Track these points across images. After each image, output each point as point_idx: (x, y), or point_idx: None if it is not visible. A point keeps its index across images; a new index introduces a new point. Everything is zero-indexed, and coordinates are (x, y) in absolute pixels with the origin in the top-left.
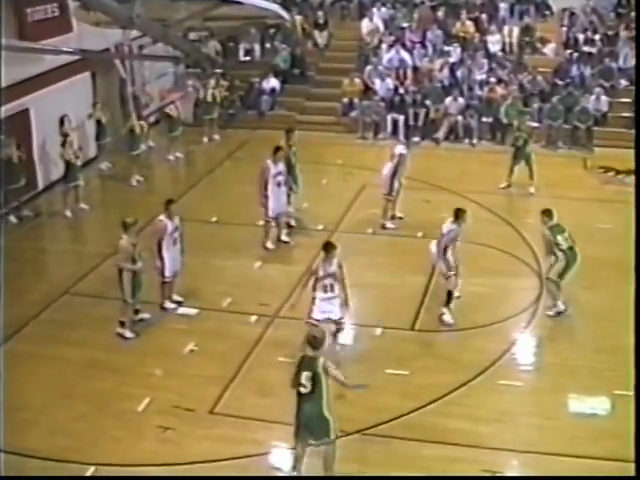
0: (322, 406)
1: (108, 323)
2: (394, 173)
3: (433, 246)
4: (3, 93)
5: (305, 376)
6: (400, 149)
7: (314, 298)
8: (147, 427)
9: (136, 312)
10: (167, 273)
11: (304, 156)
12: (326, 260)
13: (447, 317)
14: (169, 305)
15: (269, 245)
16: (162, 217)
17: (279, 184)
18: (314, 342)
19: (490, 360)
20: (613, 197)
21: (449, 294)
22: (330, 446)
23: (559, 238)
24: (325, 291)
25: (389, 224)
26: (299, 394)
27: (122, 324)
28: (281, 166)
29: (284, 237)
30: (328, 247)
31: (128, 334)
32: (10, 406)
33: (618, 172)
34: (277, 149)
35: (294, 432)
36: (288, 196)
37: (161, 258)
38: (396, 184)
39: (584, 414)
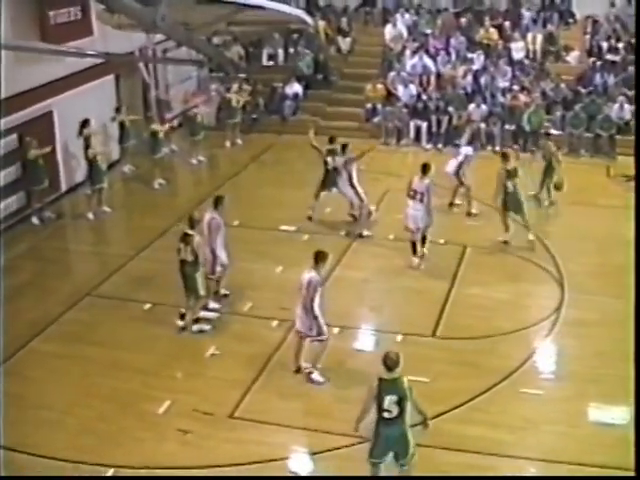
0: (406, 428)
1: (131, 324)
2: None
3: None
4: (27, 95)
5: (389, 400)
6: (467, 150)
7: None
8: (168, 429)
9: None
10: (218, 268)
11: None
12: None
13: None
14: (213, 305)
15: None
16: (215, 215)
17: None
18: (390, 363)
19: (512, 367)
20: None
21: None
22: (412, 459)
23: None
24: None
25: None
26: (382, 418)
27: (196, 321)
28: None
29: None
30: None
31: (206, 327)
32: (34, 405)
33: None
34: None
35: (371, 452)
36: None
37: (215, 256)
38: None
39: (605, 423)
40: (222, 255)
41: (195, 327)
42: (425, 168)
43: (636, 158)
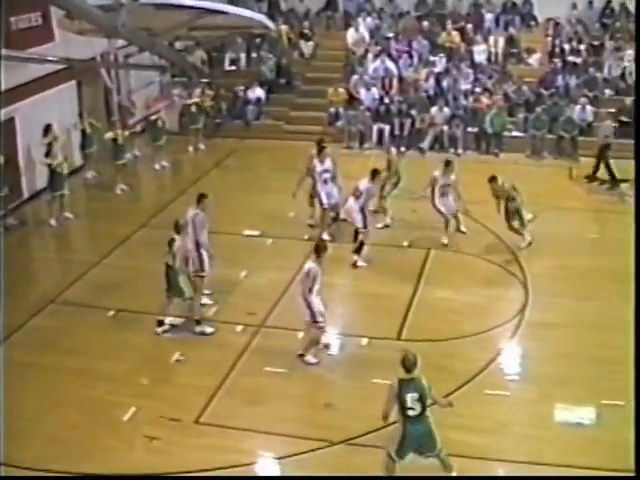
0: (431, 423)
1: (97, 331)
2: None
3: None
4: None
5: (411, 398)
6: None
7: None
8: (136, 436)
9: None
10: (207, 267)
11: (291, 165)
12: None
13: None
14: (206, 300)
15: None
16: (198, 210)
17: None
18: (408, 364)
19: (477, 369)
20: (600, 207)
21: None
22: (442, 453)
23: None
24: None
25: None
26: (406, 417)
27: (198, 322)
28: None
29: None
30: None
31: (208, 330)
32: (3, 415)
33: (603, 182)
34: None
35: (397, 451)
36: None
37: (200, 253)
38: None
39: (571, 423)
40: (209, 250)
41: (198, 329)
42: (374, 173)
43: (636, 160)
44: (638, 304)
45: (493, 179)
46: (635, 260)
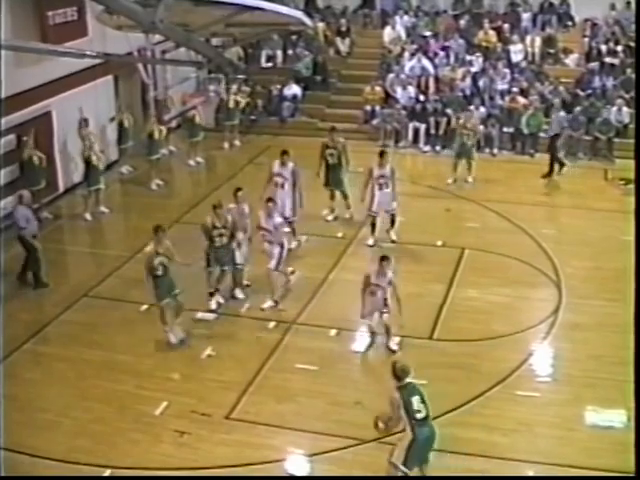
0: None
1: (128, 325)
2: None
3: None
4: (26, 96)
5: (417, 400)
6: None
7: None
8: (164, 431)
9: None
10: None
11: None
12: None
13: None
14: (239, 294)
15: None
16: (232, 205)
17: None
18: (401, 372)
19: (509, 370)
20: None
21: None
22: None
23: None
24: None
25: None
26: (415, 420)
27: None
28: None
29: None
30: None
31: (173, 339)
32: (31, 406)
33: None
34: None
35: (405, 463)
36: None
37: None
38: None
39: (601, 426)
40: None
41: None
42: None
43: (636, 161)
44: (638, 304)
45: None
46: (635, 260)
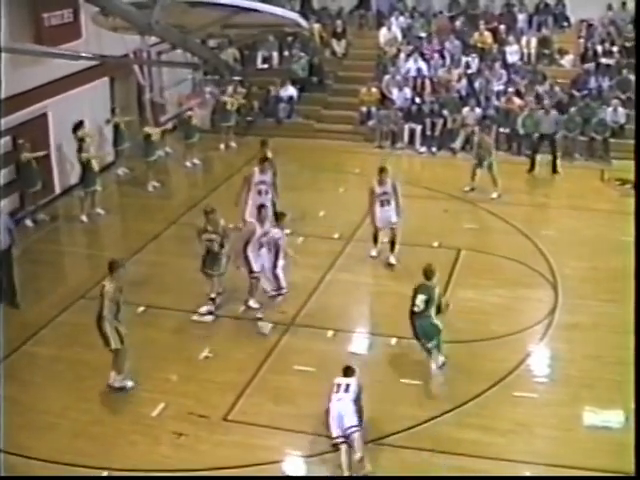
0: (432, 319)
1: (126, 327)
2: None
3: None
4: (22, 97)
5: (420, 299)
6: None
7: None
8: (162, 432)
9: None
10: (256, 268)
11: (322, 164)
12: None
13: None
14: (253, 304)
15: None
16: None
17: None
18: (429, 273)
19: (506, 371)
20: (631, 209)
21: None
22: (435, 348)
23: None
24: None
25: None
26: (412, 312)
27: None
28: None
29: None
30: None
31: (129, 384)
32: (29, 408)
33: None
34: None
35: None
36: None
37: (246, 257)
38: None
39: (598, 427)
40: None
41: (117, 383)
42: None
43: (636, 162)
44: (638, 305)
45: None
46: (635, 260)
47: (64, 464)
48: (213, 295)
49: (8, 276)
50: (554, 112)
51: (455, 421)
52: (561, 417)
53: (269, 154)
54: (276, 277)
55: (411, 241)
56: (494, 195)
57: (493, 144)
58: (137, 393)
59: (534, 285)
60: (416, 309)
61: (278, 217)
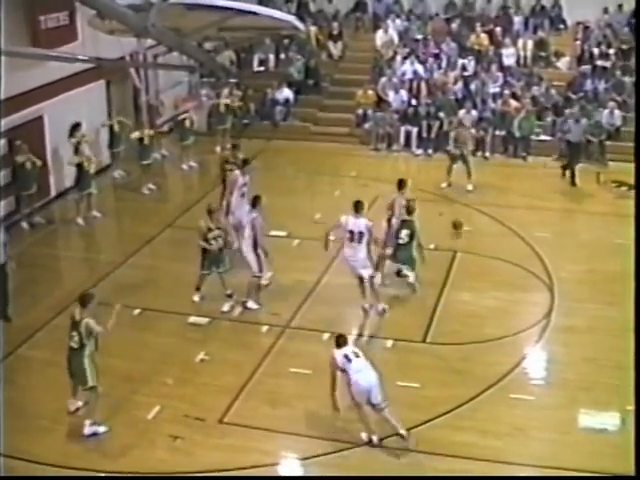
0: (413, 249)
1: (121, 330)
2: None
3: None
4: (18, 100)
5: (405, 233)
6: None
7: None
8: (158, 435)
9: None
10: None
11: (318, 167)
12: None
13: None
14: (252, 305)
15: None
16: (254, 214)
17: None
18: (411, 209)
19: (502, 373)
20: (627, 212)
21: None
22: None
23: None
24: None
25: None
26: (397, 244)
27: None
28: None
29: None
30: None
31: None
32: (26, 412)
33: (632, 187)
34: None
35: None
36: None
37: (257, 255)
38: None
39: (595, 429)
40: (266, 251)
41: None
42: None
43: (636, 163)
44: (638, 307)
45: None
46: (635, 261)
47: (60, 467)
48: (229, 292)
49: (2, 289)
50: (584, 120)
51: (451, 424)
52: (557, 420)
53: (240, 156)
54: (258, 257)
55: None
56: (469, 187)
57: (470, 137)
58: (132, 396)
59: (530, 288)
60: (401, 241)
61: (254, 201)
